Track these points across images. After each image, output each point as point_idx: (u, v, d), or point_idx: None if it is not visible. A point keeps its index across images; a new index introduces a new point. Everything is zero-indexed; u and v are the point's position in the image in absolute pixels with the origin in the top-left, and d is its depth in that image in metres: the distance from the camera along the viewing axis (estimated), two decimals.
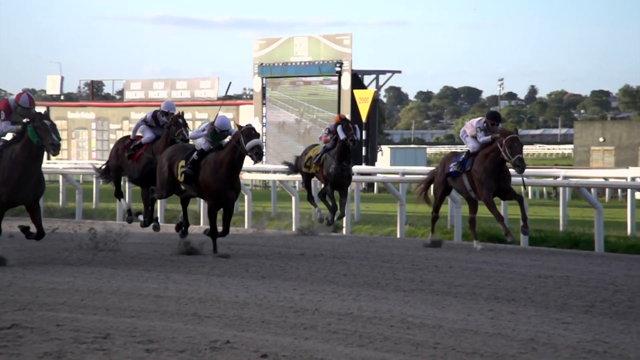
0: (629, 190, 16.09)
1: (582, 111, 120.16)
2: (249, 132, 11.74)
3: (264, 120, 36.03)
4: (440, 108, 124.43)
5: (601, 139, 45.22)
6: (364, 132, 33.87)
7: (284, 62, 35.68)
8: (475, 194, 12.98)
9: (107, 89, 65.58)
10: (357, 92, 34.10)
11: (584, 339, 6.71)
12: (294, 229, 15.99)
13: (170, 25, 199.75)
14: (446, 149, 77.43)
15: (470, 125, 13.18)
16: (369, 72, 35.81)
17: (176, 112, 13.88)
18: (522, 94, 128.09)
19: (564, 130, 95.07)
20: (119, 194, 14.90)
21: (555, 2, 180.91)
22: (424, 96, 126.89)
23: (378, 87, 35.67)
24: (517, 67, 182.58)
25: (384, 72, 35.86)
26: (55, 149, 10.74)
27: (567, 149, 62.99)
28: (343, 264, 11.04)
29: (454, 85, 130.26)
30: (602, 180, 20.60)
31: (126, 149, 14.11)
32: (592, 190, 19.02)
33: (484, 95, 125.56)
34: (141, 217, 13.67)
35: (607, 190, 27.12)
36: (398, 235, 15.12)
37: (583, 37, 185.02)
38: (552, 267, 10.99)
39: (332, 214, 14.77)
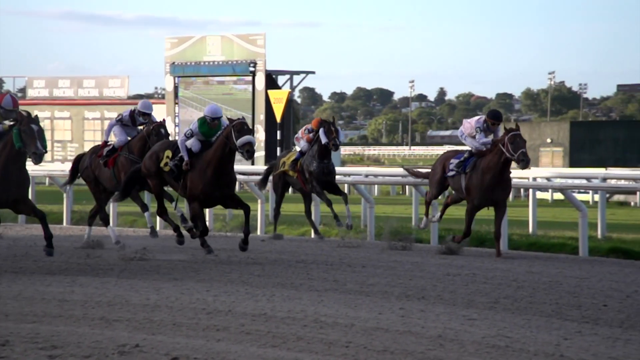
0: (530, 190, 16.49)
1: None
2: (241, 127, 11.02)
3: (177, 120, 35.72)
4: (353, 109, 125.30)
5: (549, 140, 46.08)
6: (278, 132, 33.98)
7: (197, 62, 35.43)
8: (465, 197, 12.50)
9: (8, 86, 63.73)
10: (272, 93, 34.09)
11: (488, 334, 6.86)
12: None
13: (76, 21, 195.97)
14: (359, 149, 77.99)
15: (469, 124, 12.62)
16: (283, 73, 35.84)
17: (151, 112, 13.05)
18: (432, 96, 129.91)
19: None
20: (105, 219, 13.31)
21: (463, 6, 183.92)
22: (338, 97, 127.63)
23: (292, 88, 35.72)
24: (427, 69, 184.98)
25: (298, 72, 35.93)
26: (37, 158, 9.98)
27: None
28: (257, 265, 11.02)
29: (367, 87, 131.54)
30: None
31: (100, 156, 13.01)
32: None
33: (396, 97, 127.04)
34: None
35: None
36: (312, 235, 15.17)
37: (488, 41, 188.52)
38: (459, 266, 11.20)
39: (336, 216, 14.05)
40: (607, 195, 16.82)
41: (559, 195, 24.10)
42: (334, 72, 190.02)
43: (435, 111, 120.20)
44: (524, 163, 11.98)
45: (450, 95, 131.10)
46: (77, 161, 13.48)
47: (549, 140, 44.45)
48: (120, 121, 13.21)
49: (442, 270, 10.64)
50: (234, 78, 34.97)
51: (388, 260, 11.65)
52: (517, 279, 9.94)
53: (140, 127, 13.11)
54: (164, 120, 13.35)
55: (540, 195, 23.28)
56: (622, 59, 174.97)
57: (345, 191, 15.33)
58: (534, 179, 20.95)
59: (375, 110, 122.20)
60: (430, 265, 11.26)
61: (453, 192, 12.92)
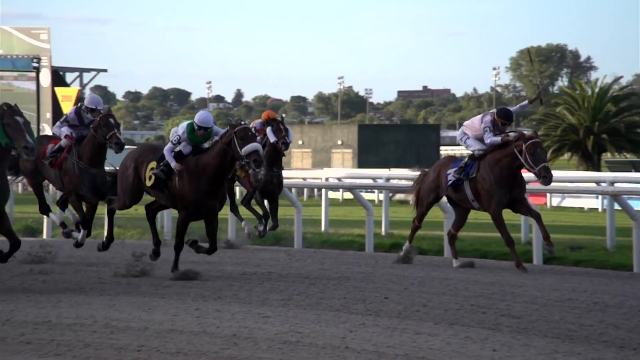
0: (323, 190, 16.97)
1: (283, 115, 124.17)
2: (245, 134, 9.52)
3: None
4: (149, 109, 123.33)
5: (300, 142, 47.03)
6: None
7: None
8: (480, 205, 10.95)
9: None
10: (59, 90, 32.86)
11: (281, 330, 7.03)
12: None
13: None
14: None
15: (472, 124, 11.17)
16: (72, 70, 34.77)
17: (101, 108, 11.55)
18: (229, 97, 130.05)
19: None
20: (44, 208, 12.29)
21: (260, 9, 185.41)
22: (133, 96, 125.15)
23: (82, 86, 34.73)
24: (224, 71, 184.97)
25: (88, 70, 35.00)
26: (30, 152, 8.67)
27: None
28: (43, 273, 10.22)
29: (163, 86, 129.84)
30: (302, 180, 21.57)
31: (44, 156, 11.53)
32: (293, 190, 19.80)
33: (194, 97, 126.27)
34: (76, 235, 11.64)
35: (305, 190, 28.30)
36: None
37: (284, 44, 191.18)
38: (256, 264, 11.36)
39: (264, 224, 12.84)
40: (390, 194, 17.52)
41: (349, 195, 24.86)
42: (128, 70, 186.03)
43: (232, 112, 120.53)
44: (546, 180, 10.56)
45: (247, 97, 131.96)
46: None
47: (339, 142, 45.67)
48: (65, 122, 11.65)
49: (239, 270, 10.76)
50: (15, 74, 33.40)
51: (185, 261, 11.59)
52: (310, 276, 10.22)
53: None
54: (110, 111, 11.80)
55: (332, 194, 23.90)
56: (402, 67, 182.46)
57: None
58: (327, 179, 21.55)
59: (172, 111, 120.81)
60: (227, 264, 11.34)
61: (455, 216, 11.45)
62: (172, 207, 10.29)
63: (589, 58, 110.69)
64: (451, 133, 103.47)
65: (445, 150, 57.14)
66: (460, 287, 9.48)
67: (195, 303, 8.34)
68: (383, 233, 14.80)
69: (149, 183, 10.04)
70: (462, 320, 7.54)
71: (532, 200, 13.87)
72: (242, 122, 9.75)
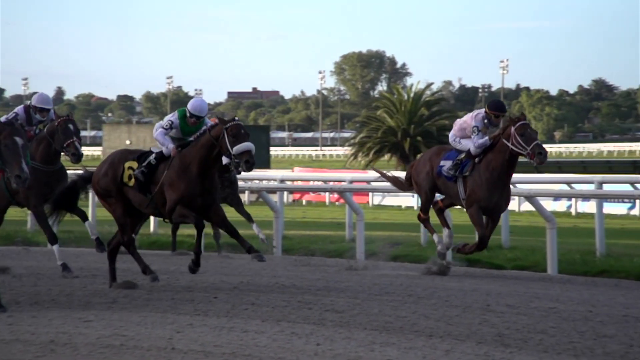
0: None
1: (109, 114, 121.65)
2: (237, 131, 8.64)
3: None
4: None
5: (128, 142, 46.05)
6: None
7: None
8: (461, 204, 10.34)
9: None
10: None
11: (103, 334, 6.75)
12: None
13: None
14: None
15: (463, 124, 10.29)
16: None
17: (52, 108, 10.25)
18: (50, 95, 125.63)
19: (93, 133, 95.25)
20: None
21: (86, 4, 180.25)
22: None
23: None
24: (41, 68, 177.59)
25: None
26: (22, 183, 7.44)
27: (96, 150, 63.16)
28: None
29: None
30: None
31: None
32: None
33: (8, 94, 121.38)
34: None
35: None
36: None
37: (109, 42, 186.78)
38: (79, 267, 10.87)
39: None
40: None
41: None
42: None
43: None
44: (542, 157, 9.76)
45: (69, 95, 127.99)
46: None
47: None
48: (15, 121, 9.77)
49: (58, 272, 10.26)
50: None
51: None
52: (136, 278, 9.85)
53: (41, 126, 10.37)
54: (71, 114, 10.55)
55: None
56: (231, 68, 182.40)
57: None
58: None
59: None
60: (46, 269, 10.82)
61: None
62: (156, 213, 9.28)
63: (404, 64, 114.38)
64: (280, 134, 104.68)
65: (274, 152, 57.47)
66: (288, 284, 9.47)
67: (10, 310, 7.78)
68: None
69: (129, 182, 9.03)
70: (288, 317, 7.54)
71: (355, 199, 14.12)
72: (236, 119, 8.90)
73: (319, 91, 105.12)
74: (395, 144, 43.66)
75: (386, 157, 44.77)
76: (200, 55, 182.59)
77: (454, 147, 10.30)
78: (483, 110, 10.22)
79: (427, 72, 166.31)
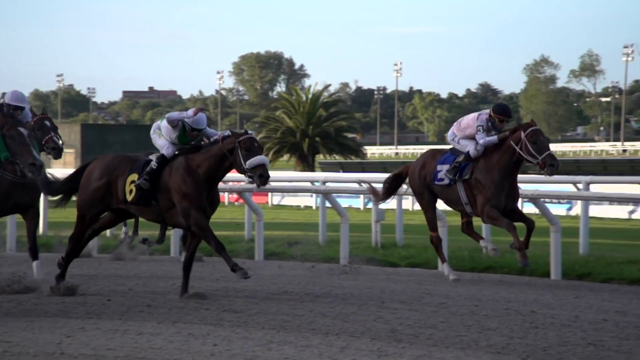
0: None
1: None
2: (251, 144, 8.32)
3: None
4: None
5: None
6: None
7: None
8: (472, 209, 9.71)
9: None
10: None
11: None
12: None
13: None
14: None
15: (464, 125, 9.76)
16: None
17: (27, 106, 9.66)
18: None
19: None
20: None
21: None
22: None
23: None
24: None
25: None
26: (37, 171, 7.32)
27: None
28: None
29: None
30: None
31: None
32: None
33: None
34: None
35: None
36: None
37: None
38: None
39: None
40: None
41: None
42: None
43: None
44: (553, 169, 9.27)
45: None
46: None
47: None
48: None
49: None
50: None
51: None
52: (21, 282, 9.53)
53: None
54: (45, 112, 10.04)
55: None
56: (126, 67, 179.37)
57: None
58: None
59: None
60: None
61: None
62: (160, 220, 8.74)
63: (302, 66, 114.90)
64: None
65: None
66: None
67: None
68: (108, 234, 14.34)
69: (130, 197, 8.58)
70: (185, 318, 7.48)
71: (254, 200, 14.11)
72: (249, 132, 8.52)
73: (217, 91, 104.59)
74: (294, 145, 43.84)
75: (285, 157, 44.89)
76: (93, 53, 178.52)
77: (452, 146, 9.81)
78: (487, 111, 9.74)
79: (324, 74, 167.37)
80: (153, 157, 8.76)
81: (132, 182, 8.59)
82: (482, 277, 10.20)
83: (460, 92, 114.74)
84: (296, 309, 7.95)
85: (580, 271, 10.53)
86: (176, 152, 8.68)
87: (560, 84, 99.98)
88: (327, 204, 13.31)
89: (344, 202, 18.11)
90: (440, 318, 7.55)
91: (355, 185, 17.13)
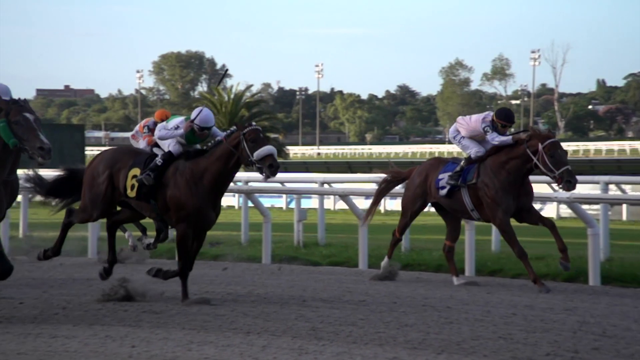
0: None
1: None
2: (256, 136, 8.10)
3: None
4: None
5: None
6: None
7: None
8: (481, 215, 9.29)
9: None
10: None
11: None
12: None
13: None
14: None
15: (468, 123, 9.37)
16: None
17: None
18: None
19: None
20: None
21: None
22: None
23: None
24: None
25: None
26: (46, 154, 7.01)
27: None
28: None
29: None
30: None
31: None
32: None
33: None
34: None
35: None
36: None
37: None
38: None
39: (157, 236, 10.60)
40: (30, 195, 16.62)
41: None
42: None
43: None
44: (570, 185, 8.91)
45: None
46: None
47: None
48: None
49: None
50: None
51: None
52: None
53: None
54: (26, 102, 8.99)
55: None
56: (40, 65, 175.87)
57: None
58: None
59: None
60: None
61: (447, 228, 9.70)
62: (157, 219, 8.62)
63: (224, 66, 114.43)
64: (96, 133, 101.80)
65: (91, 151, 55.56)
66: (105, 287, 8.88)
67: None
68: (20, 235, 13.98)
69: (131, 193, 8.33)
70: (102, 320, 7.34)
71: None
72: (253, 124, 8.27)
73: (137, 90, 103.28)
74: None
75: None
76: (4, 48, 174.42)
77: (453, 143, 9.55)
78: (491, 114, 9.35)
79: (246, 74, 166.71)
80: (158, 151, 8.52)
81: (134, 176, 8.36)
82: (400, 274, 10.28)
83: (380, 94, 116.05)
84: (217, 308, 7.88)
85: (492, 267, 10.72)
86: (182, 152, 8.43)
87: (474, 86, 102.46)
88: (250, 204, 13.22)
89: (266, 201, 18.04)
90: (360, 315, 7.60)
91: (278, 185, 17.08)
